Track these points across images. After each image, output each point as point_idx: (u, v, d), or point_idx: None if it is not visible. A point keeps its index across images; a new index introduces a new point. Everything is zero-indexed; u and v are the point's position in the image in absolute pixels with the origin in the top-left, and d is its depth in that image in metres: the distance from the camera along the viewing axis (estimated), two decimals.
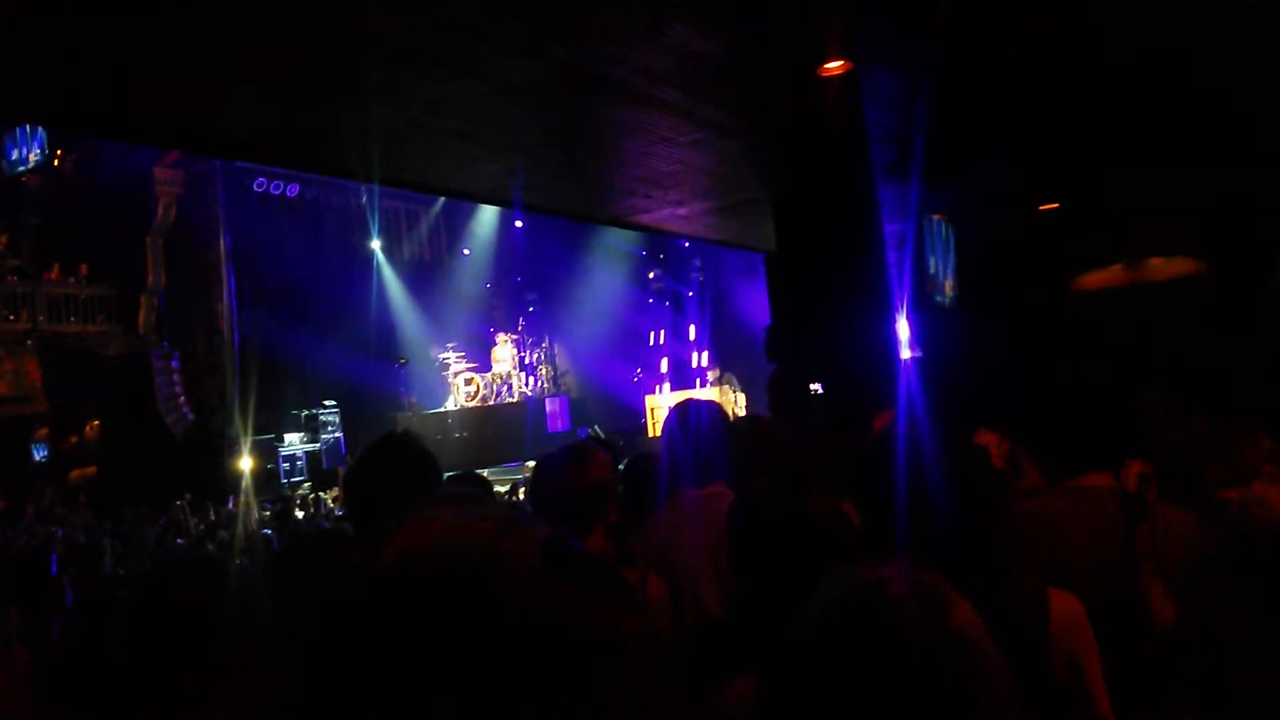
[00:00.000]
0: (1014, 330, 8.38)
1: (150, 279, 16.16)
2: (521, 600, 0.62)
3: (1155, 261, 10.42)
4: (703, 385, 16.38)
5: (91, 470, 15.22)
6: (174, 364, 15.53)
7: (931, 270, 7.24)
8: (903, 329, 8.34)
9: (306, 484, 14.25)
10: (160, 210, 16.02)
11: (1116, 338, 8.93)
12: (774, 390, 7.73)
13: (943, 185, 6.90)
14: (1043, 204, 9.19)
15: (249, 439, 14.09)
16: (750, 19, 4.30)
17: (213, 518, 10.59)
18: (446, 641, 0.61)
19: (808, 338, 7.03)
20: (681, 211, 8.42)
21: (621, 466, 3.89)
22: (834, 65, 4.87)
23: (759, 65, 4.91)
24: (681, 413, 3.30)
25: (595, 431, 15.09)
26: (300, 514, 10.25)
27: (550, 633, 0.61)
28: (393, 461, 2.36)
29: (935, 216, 7.67)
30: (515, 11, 4.05)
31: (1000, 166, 7.07)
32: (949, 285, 7.81)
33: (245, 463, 13.45)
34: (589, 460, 2.47)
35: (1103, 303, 10.44)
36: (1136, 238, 10.11)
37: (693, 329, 18.55)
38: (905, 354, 8.14)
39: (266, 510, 11.88)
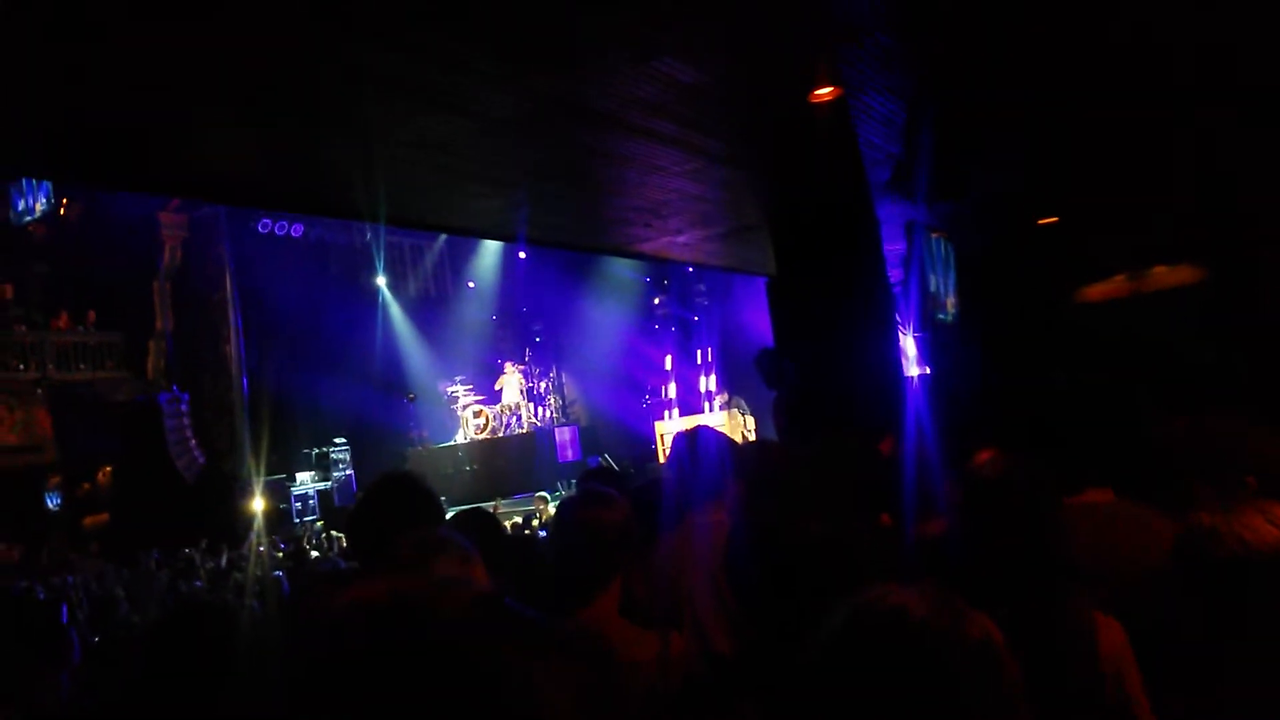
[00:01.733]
0: (1017, 345, 8.37)
1: (158, 324, 16.27)
2: (453, 651, 0.65)
3: (1158, 270, 10.41)
4: (711, 410, 16.37)
5: (104, 517, 15.25)
6: (184, 407, 15.59)
7: (933, 288, 7.25)
8: (908, 348, 8.34)
9: (319, 523, 14.25)
10: (166, 255, 16.16)
11: (1121, 349, 8.90)
12: (779, 415, 7.75)
13: (941, 202, 6.93)
14: (1042, 218, 9.21)
15: (261, 480, 14.11)
16: (737, 49, 4.34)
17: (226, 561, 10.59)
18: (380, 686, 0.63)
19: (812, 361, 7.03)
20: (681, 239, 8.46)
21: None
22: (824, 91, 4.91)
23: (749, 94, 4.95)
24: (686, 440, 3.31)
25: (605, 460, 15.08)
26: (314, 553, 10.25)
27: (478, 685, 0.64)
28: (393, 500, 2.38)
29: (934, 234, 7.69)
30: (505, 47, 4.09)
31: (998, 182, 7.09)
32: (950, 302, 7.81)
33: (258, 504, 13.47)
34: (606, 506, 2.42)
35: (1106, 314, 10.41)
36: (1138, 248, 10.10)
37: (700, 354, 18.56)
38: (913, 372, 8.14)
39: (280, 551, 11.89)
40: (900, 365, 7.34)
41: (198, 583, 9.35)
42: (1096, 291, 10.71)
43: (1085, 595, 1.98)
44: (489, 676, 0.67)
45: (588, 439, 17.77)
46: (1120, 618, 2.13)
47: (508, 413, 17.14)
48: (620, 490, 3.91)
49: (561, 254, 15.82)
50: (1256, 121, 6.97)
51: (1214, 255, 9.52)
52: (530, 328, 19.84)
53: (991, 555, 2.00)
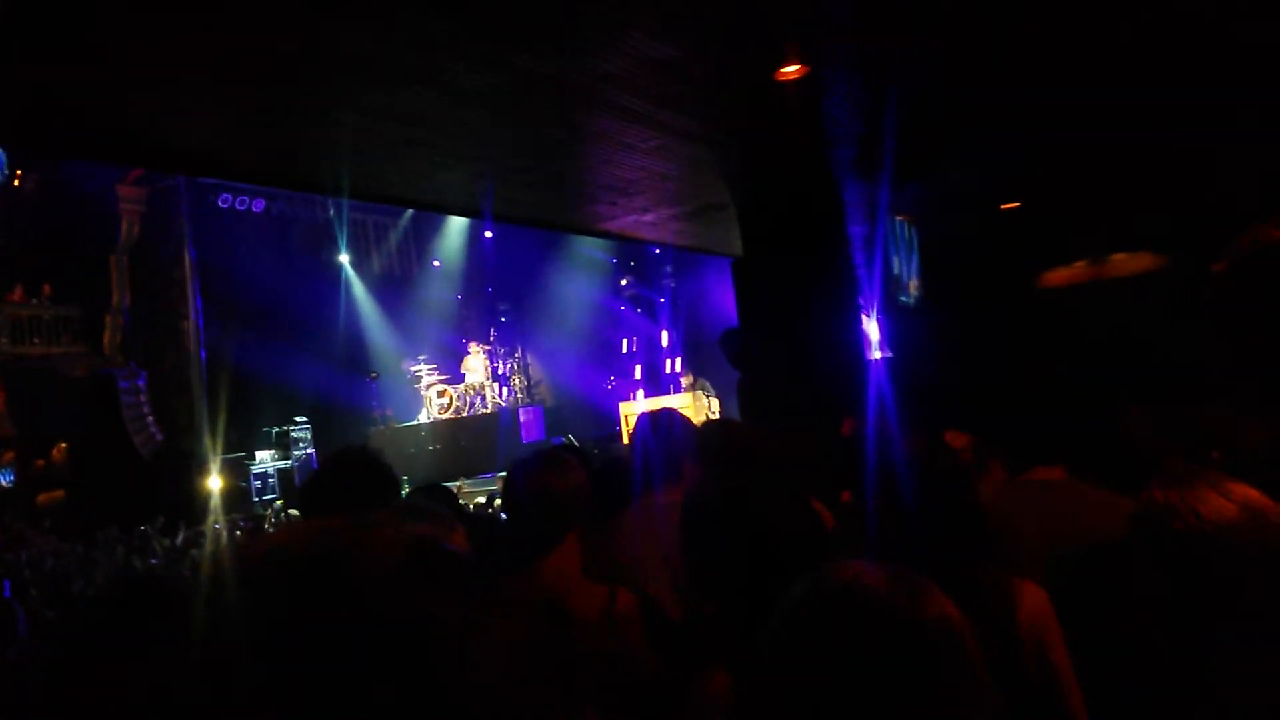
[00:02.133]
0: (978, 329, 8.44)
1: (115, 298, 15.96)
2: (374, 595, 0.63)
3: (1118, 258, 10.53)
4: (676, 391, 16.38)
5: (59, 494, 14.99)
6: (141, 384, 15.33)
7: (896, 270, 7.28)
8: (871, 330, 8.39)
9: (279, 501, 14.11)
10: (124, 228, 15.84)
11: (1082, 334, 9.01)
12: (744, 396, 7.76)
13: (905, 185, 6.95)
14: (1004, 203, 9.28)
15: (219, 457, 13.94)
16: (704, 24, 4.31)
17: (183, 539, 10.46)
18: (299, 630, 0.61)
19: (775, 342, 7.04)
20: (648, 218, 8.43)
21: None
22: (791, 69, 4.89)
23: (717, 71, 4.93)
24: (649, 421, 3.32)
25: (570, 440, 15.05)
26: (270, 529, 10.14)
27: (400, 627, 0.62)
28: (348, 475, 2.34)
29: (899, 217, 7.72)
30: (472, 18, 4.03)
31: (961, 166, 7.13)
32: (913, 285, 7.86)
33: (215, 482, 13.31)
34: (561, 467, 2.45)
35: (1067, 299, 10.53)
36: (1100, 234, 10.21)
37: (665, 335, 18.56)
38: (875, 354, 8.19)
39: (240, 529, 11.76)
40: (863, 347, 7.38)
41: (154, 560, 9.22)
42: (1058, 277, 10.83)
43: (1004, 564, 2.02)
44: (414, 623, 0.65)
45: (552, 419, 17.73)
46: (1070, 592, 2.16)
47: (472, 392, 17.05)
48: (585, 468, 3.91)
49: (528, 233, 15.72)
50: (1221, 112, 7.05)
51: (1175, 244, 9.64)
52: (496, 307, 19.73)
53: (907, 526, 2.05)
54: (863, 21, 4.53)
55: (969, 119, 6.37)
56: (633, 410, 15.78)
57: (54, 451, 15.59)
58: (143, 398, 15.36)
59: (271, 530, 10.26)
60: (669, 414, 3.37)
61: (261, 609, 0.67)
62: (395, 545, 0.70)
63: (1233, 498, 1.53)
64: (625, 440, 15.17)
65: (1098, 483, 2.41)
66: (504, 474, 3.21)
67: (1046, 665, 1.94)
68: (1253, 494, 1.53)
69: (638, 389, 17.62)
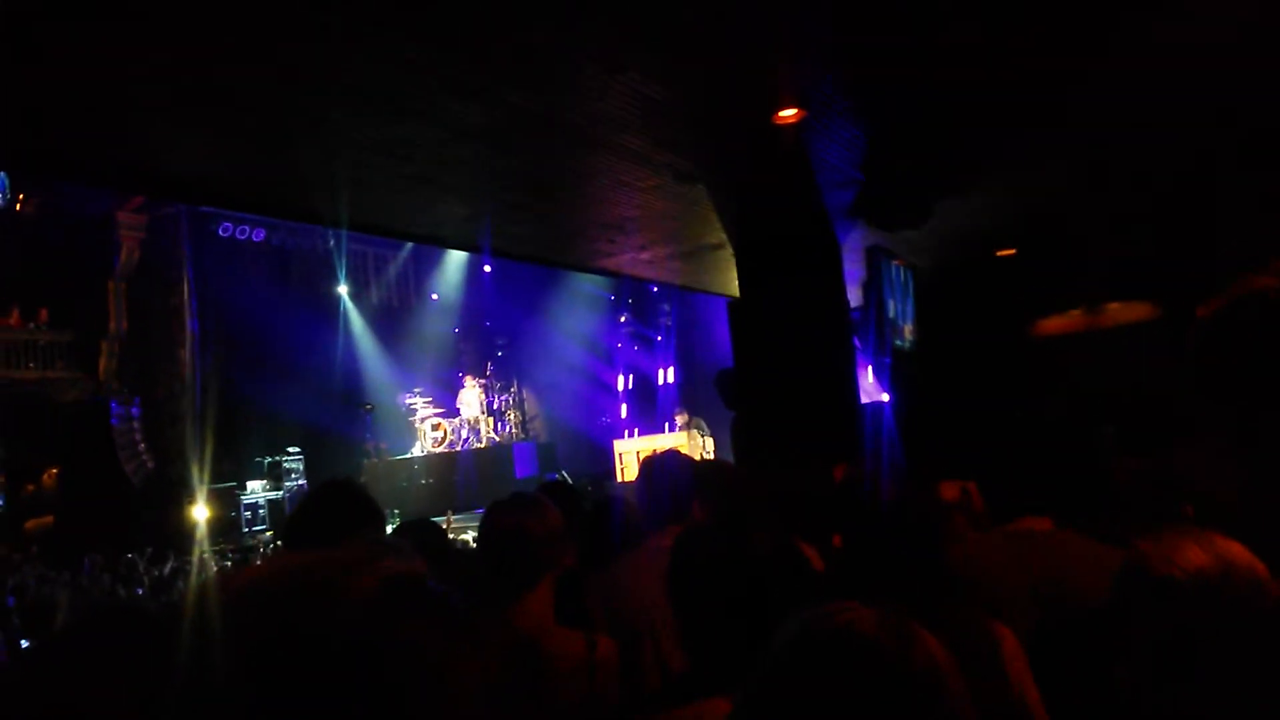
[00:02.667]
0: (975, 375, 8.45)
1: (112, 325, 15.96)
2: (352, 627, 0.62)
3: (1113, 306, 10.58)
4: (671, 430, 16.36)
5: (48, 520, 14.89)
6: (134, 411, 15.30)
7: (891, 314, 7.31)
8: (866, 374, 8.39)
9: (269, 532, 14.02)
10: (123, 255, 15.88)
11: (1075, 382, 9.03)
12: (738, 436, 7.75)
13: (901, 230, 6.99)
14: (1000, 249, 9.34)
15: (209, 487, 13.87)
16: (702, 67, 4.36)
17: (170, 568, 10.38)
18: (277, 664, 0.61)
19: (770, 384, 7.05)
20: (645, 256, 8.47)
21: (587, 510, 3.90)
22: (788, 113, 4.94)
23: (714, 112, 4.97)
24: (650, 465, 3.34)
25: (563, 476, 15.01)
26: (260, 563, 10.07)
27: (376, 660, 0.61)
28: (332, 508, 2.33)
29: (895, 261, 7.76)
30: (472, 57, 4.08)
31: (958, 212, 7.18)
32: (909, 329, 7.88)
33: (203, 512, 13.24)
34: (538, 510, 2.45)
35: (1063, 347, 10.56)
36: (1094, 283, 10.27)
37: (662, 373, 18.56)
38: (870, 398, 8.19)
39: (229, 560, 11.68)
40: (858, 391, 7.38)
41: (139, 590, 9.15)
42: (1054, 325, 10.88)
43: (978, 607, 2.04)
44: (390, 657, 0.64)
45: (546, 455, 17.68)
46: (1061, 642, 2.15)
47: (466, 427, 17.01)
48: (575, 506, 3.90)
49: (526, 269, 15.77)
50: (1214, 163, 7.12)
51: (1169, 293, 9.69)
52: (493, 342, 19.74)
53: (892, 572, 2.07)
54: (857, 67, 4.58)
55: (965, 163, 6.43)
56: (626, 448, 15.76)
57: (44, 477, 15.51)
58: (135, 425, 15.32)
59: (255, 562, 10.19)
60: (673, 456, 3.39)
61: (240, 642, 0.67)
62: (374, 580, 0.69)
63: (1211, 549, 1.54)
64: (618, 478, 15.14)
65: (1085, 534, 2.40)
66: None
67: (1027, 701, 1.96)
68: (1235, 547, 1.53)
69: (632, 427, 17.59)
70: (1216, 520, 1.80)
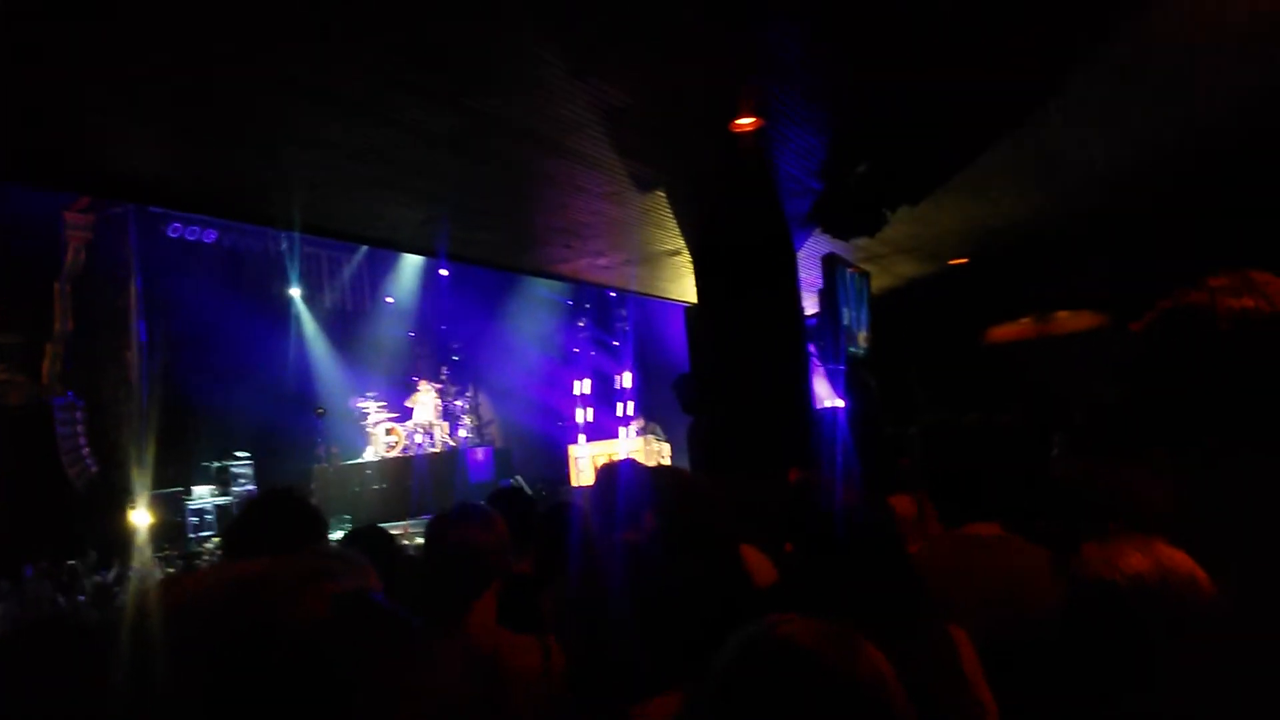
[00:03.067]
0: (926, 381, 8.55)
1: (57, 326, 15.57)
2: (301, 645, 0.60)
3: (1062, 315, 10.78)
4: (628, 435, 16.35)
5: None
6: (78, 415, 14.93)
7: (846, 322, 7.37)
8: (821, 380, 8.45)
9: (216, 539, 13.76)
10: (69, 255, 15.49)
11: (1025, 389, 9.17)
12: (694, 441, 7.76)
13: (856, 238, 7.06)
14: (953, 258, 9.46)
15: (153, 492, 13.59)
16: (662, 74, 4.36)
17: (114, 575, 10.15)
18: (221, 685, 0.58)
19: (726, 390, 7.07)
20: (602, 262, 8.46)
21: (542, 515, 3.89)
22: (746, 121, 4.96)
23: (672, 120, 4.99)
24: (603, 475, 3.34)
25: (518, 481, 14.92)
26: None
27: (324, 678, 0.59)
28: (273, 517, 2.29)
29: (850, 269, 7.83)
30: (429, 59, 4.04)
31: (911, 220, 7.26)
32: (863, 337, 7.95)
33: (148, 517, 12.96)
34: (483, 521, 2.44)
35: (1013, 355, 10.73)
36: (1045, 292, 10.46)
37: (619, 379, 18.54)
38: (825, 404, 8.24)
39: (173, 567, 11.45)
40: (812, 397, 7.43)
41: (81, 597, 8.93)
42: (1005, 332, 11.06)
43: (937, 613, 2.06)
44: (341, 678, 0.62)
45: (501, 460, 17.57)
46: (1010, 647, 2.17)
47: (421, 431, 16.85)
48: (529, 512, 3.88)
49: (483, 274, 15.67)
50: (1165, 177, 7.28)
51: (1116, 302, 9.88)
52: (448, 346, 19.58)
53: (853, 580, 2.09)
54: (815, 78, 4.61)
55: (919, 173, 6.50)
56: (583, 453, 15.71)
57: None
58: (80, 429, 14.95)
59: (197, 573, 9.99)
60: (629, 464, 3.40)
61: (182, 659, 0.64)
62: (323, 599, 0.67)
63: (1151, 554, 1.58)
64: (573, 482, 15.09)
65: (1033, 539, 2.43)
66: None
67: (983, 701, 1.98)
68: (1177, 555, 1.57)
69: (589, 431, 17.56)
70: (1154, 530, 1.85)
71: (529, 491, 12.19)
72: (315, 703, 0.58)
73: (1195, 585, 1.56)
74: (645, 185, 6.07)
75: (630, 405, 17.87)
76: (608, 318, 19.14)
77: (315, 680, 0.59)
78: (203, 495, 14.64)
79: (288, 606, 0.60)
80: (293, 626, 0.60)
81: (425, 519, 13.98)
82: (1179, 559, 1.58)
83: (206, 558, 11.41)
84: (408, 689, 0.62)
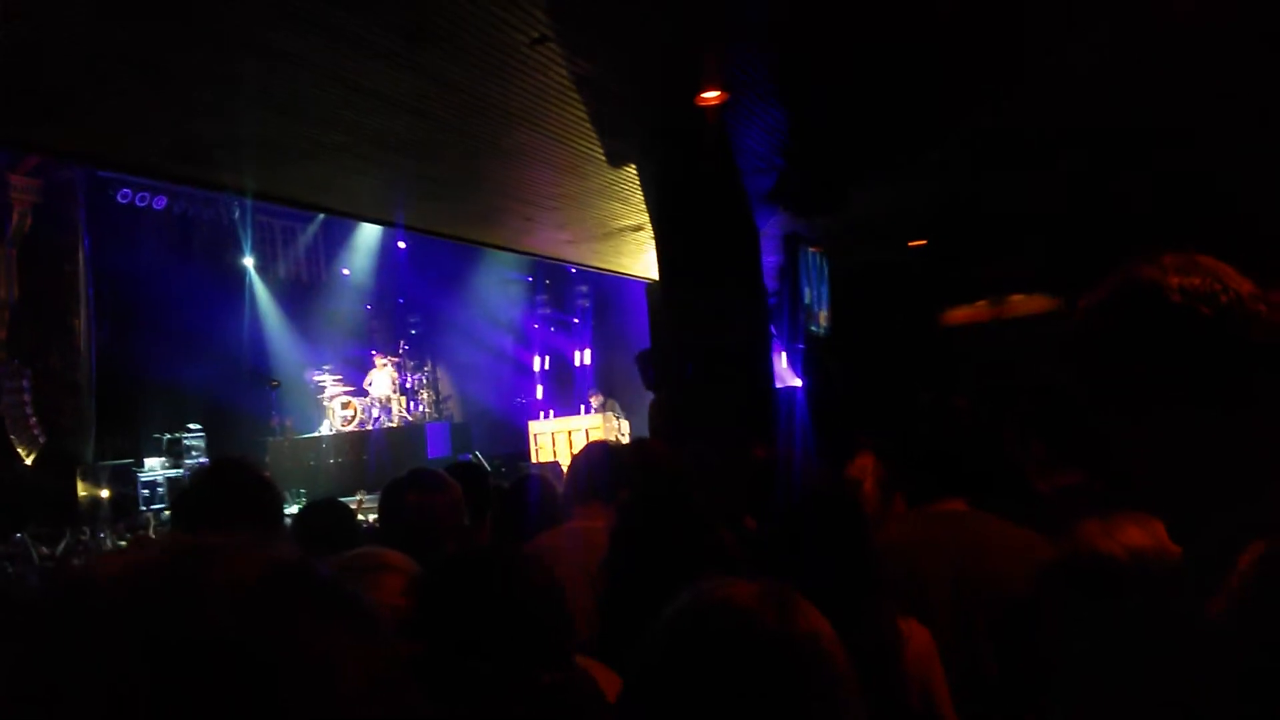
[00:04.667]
0: (886, 360, 8.62)
1: (2, 293, 15.18)
2: (223, 614, 0.56)
3: (1016, 298, 10.93)
4: (587, 411, 16.33)
5: None
6: (25, 383, 14.59)
7: (807, 300, 7.39)
8: (781, 358, 8.48)
9: (167, 511, 13.55)
10: (15, 219, 15.07)
11: (981, 370, 9.29)
12: (655, 418, 7.76)
13: (818, 217, 7.07)
14: (912, 240, 9.53)
15: (100, 464, 13.34)
16: (626, 43, 4.32)
17: (63, 547, 9.96)
18: (140, 654, 0.55)
19: (687, 367, 7.06)
20: (564, 236, 8.40)
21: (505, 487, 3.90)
22: (710, 95, 4.93)
23: (636, 92, 4.94)
24: (578, 459, 3.36)
25: (476, 457, 14.85)
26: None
27: (251, 653, 0.56)
28: (224, 487, 2.23)
29: (811, 248, 7.85)
30: (389, 19, 3.96)
31: (872, 200, 7.29)
32: (824, 316, 7.98)
33: (98, 489, 12.72)
34: (439, 485, 2.42)
35: (968, 337, 10.85)
36: (1000, 274, 10.58)
37: (578, 355, 18.50)
38: (786, 382, 8.28)
39: (124, 540, 11.27)
40: (774, 375, 7.45)
41: (30, 570, 8.75)
42: (961, 314, 11.19)
43: (891, 602, 2.07)
44: (266, 650, 0.58)
45: (459, 435, 17.46)
46: (969, 625, 2.19)
47: (378, 405, 16.70)
48: (484, 486, 3.86)
49: (442, 248, 15.51)
50: (1114, 160, 7.37)
51: (1069, 286, 10.02)
52: (406, 320, 19.39)
53: (800, 554, 2.10)
54: (779, 51, 4.59)
55: (880, 155, 6.52)
56: (542, 429, 15.66)
57: None
58: (26, 397, 14.61)
59: (133, 544, 9.84)
60: (600, 445, 3.44)
61: (103, 630, 0.60)
62: (255, 564, 0.63)
63: (1150, 531, 1.60)
64: (533, 459, 15.04)
65: (997, 514, 2.45)
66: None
67: (931, 703, 1.98)
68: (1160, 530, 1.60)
69: (547, 408, 17.52)
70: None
71: (486, 467, 12.14)
72: (224, 689, 0.55)
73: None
74: (608, 159, 6.02)
75: (589, 381, 17.85)
76: (567, 294, 19.07)
77: (228, 664, 0.55)
78: (154, 467, 14.40)
79: (205, 583, 0.56)
80: (210, 603, 0.56)
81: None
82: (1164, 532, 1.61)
83: (157, 530, 11.23)
84: (344, 669, 0.59)
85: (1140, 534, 1.61)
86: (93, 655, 0.56)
